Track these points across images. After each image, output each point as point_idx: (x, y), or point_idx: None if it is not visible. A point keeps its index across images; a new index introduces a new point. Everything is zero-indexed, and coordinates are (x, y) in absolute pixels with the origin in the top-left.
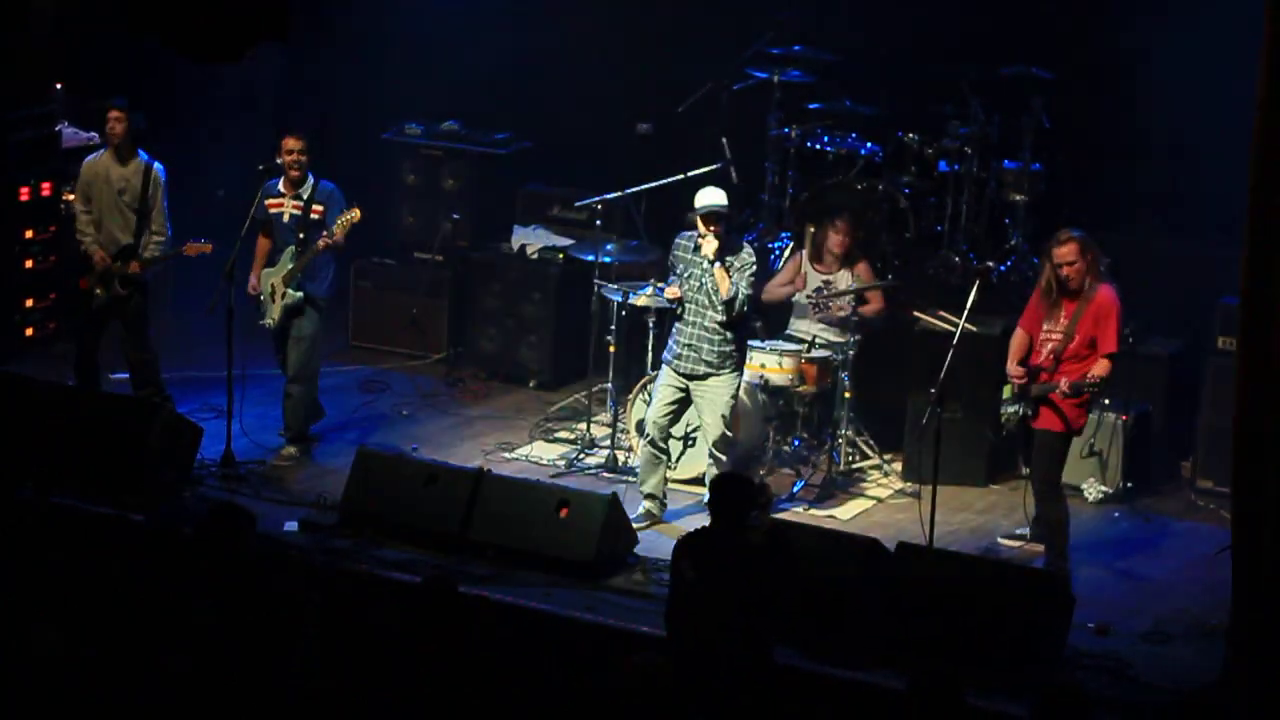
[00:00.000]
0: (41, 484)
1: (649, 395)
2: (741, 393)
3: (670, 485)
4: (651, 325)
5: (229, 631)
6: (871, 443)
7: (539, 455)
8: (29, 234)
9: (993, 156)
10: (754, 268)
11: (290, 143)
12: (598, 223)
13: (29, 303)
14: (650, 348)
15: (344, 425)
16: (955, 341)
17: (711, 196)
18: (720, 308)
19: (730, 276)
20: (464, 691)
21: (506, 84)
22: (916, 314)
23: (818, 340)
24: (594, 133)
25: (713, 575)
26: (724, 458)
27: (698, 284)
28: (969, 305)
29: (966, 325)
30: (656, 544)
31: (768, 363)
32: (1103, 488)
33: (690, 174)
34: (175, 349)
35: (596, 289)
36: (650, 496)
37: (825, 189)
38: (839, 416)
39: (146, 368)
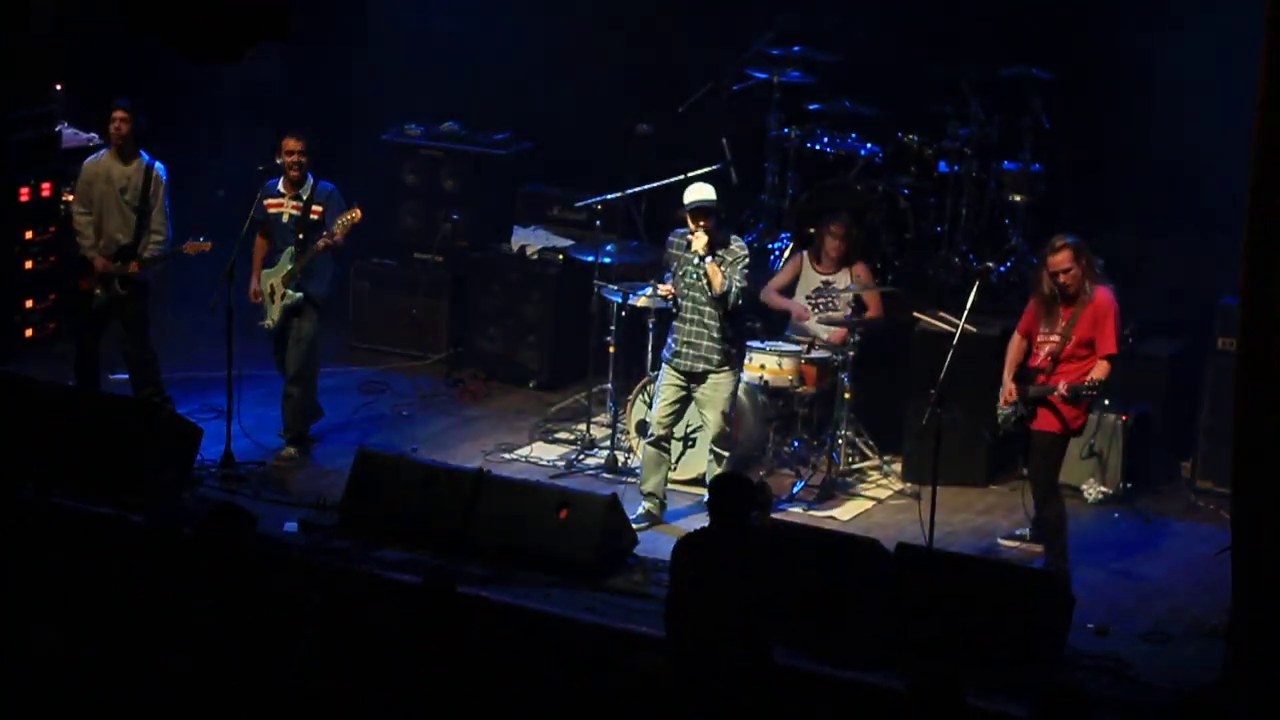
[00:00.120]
0: (41, 484)
1: (649, 396)
2: (741, 393)
3: (670, 485)
4: (651, 326)
5: (229, 631)
6: (871, 443)
7: (539, 456)
8: (29, 234)
9: (992, 157)
10: (747, 260)
11: (290, 143)
12: (597, 223)
13: (29, 303)
14: (650, 348)
15: (344, 426)
16: (955, 342)
17: (699, 192)
18: (715, 303)
19: (723, 270)
20: (464, 692)
21: (506, 84)
22: (916, 315)
23: (817, 341)
24: (594, 133)
25: (712, 575)
26: (725, 454)
27: (692, 280)
28: (969, 306)
29: (966, 326)
30: (656, 544)
31: (768, 363)
32: (1102, 488)
33: (690, 174)
34: (175, 349)
35: (596, 289)
36: (650, 496)
37: (825, 190)
38: (839, 417)
39: (146, 368)
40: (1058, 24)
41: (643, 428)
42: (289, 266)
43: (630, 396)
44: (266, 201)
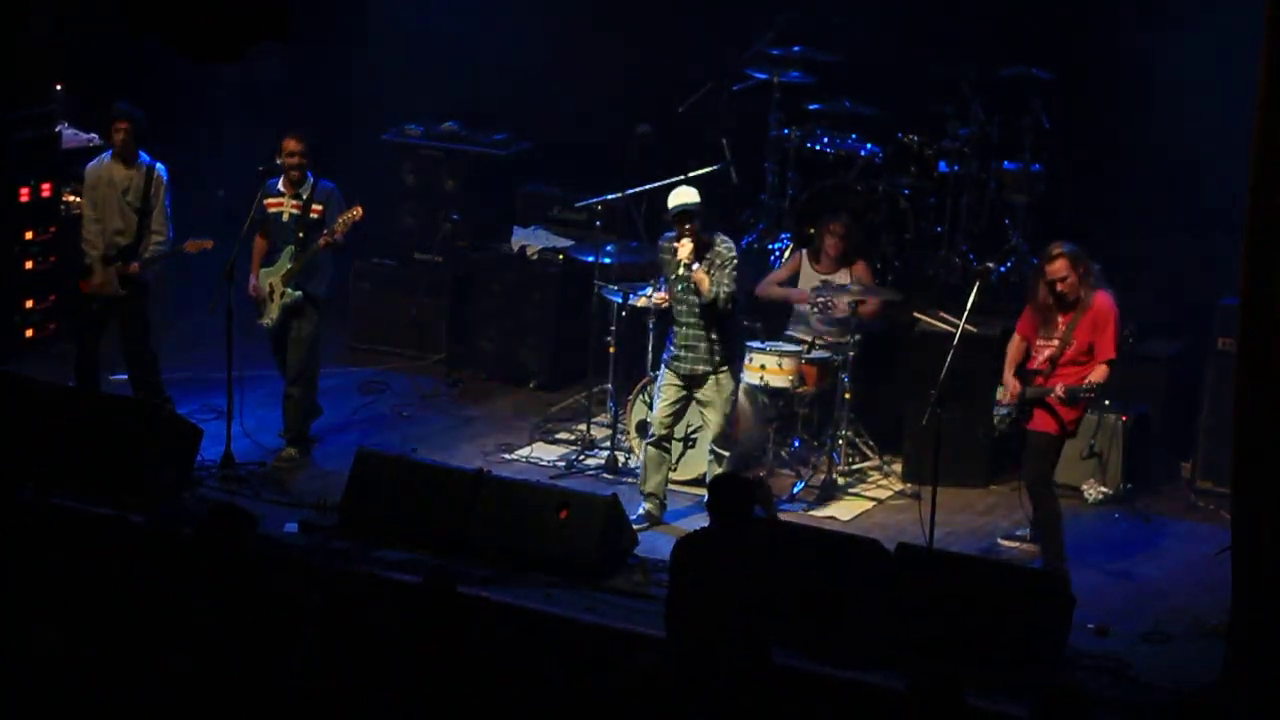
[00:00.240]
0: (41, 484)
1: (649, 396)
2: (742, 394)
3: (670, 486)
4: (651, 326)
5: (229, 631)
6: (871, 444)
7: (539, 456)
8: (29, 235)
9: (992, 157)
10: (735, 261)
11: (291, 144)
12: (597, 224)
13: (29, 304)
14: (650, 348)
15: (344, 426)
16: (955, 342)
17: (681, 196)
18: (706, 308)
19: (711, 275)
20: (464, 692)
21: (506, 84)
22: (916, 315)
23: (817, 341)
24: (594, 133)
25: (712, 576)
26: (725, 454)
27: (683, 286)
28: (969, 306)
29: (966, 326)
30: (656, 545)
31: (768, 364)
32: (1103, 488)
33: (690, 174)
34: (175, 350)
35: (596, 290)
36: (651, 496)
37: (825, 190)
38: (839, 417)
39: (146, 368)
40: (1058, 24)
41: (643, 428)
42: (289, 265)
43: (630, 397)
44: (266, 201)
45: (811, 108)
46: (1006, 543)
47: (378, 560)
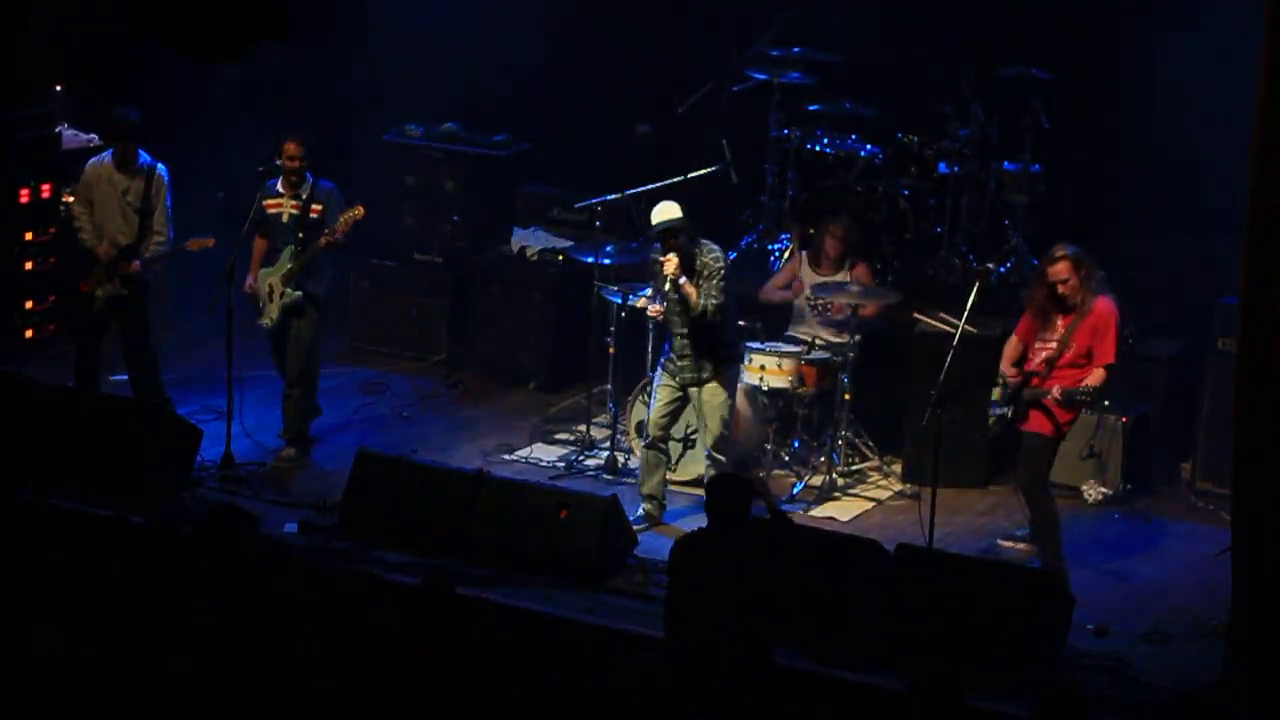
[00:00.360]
0: (41, 485)
1: (648, 397)
2: (741, 395)
3: (669, 487)
4: (651, 327)
5: (229, 631)
6: (871, 444)
7: (539, 457)
8: (29, 236)
9: (992, 158)
10: (723, 271)
11: (291, 147)
12: (597, 224)
13: (29, 304)
14: (650, 349)
15: (344, 427)
16: (955, 343)
17: (663, 213)
18: (695, 320)
19: (699, 286)
20: (464, 692)
21: (506, 85)
22: (916, 315)
23: (817, 342)
24: (594, 134)
25: (711, 576)
26: (723, 459)
27: (673, 297)
28: (969, 307)
29: (966, 327)
30: (656, 545)
31: (767, 365)
32: (1102, 489)
33: (690, 175)
34: (175, 350)
35: (596, 290)
36: (650, 498)
37: (825, 190)
38: (839, 418)
39: (146, 369)
40: (1058, 24)
41: (642, 429)
42: (289, 266)
43: (630, 397)
44: (266, 202)
45: (811, 108)
46: (1006, 543)
47: (378, 561)
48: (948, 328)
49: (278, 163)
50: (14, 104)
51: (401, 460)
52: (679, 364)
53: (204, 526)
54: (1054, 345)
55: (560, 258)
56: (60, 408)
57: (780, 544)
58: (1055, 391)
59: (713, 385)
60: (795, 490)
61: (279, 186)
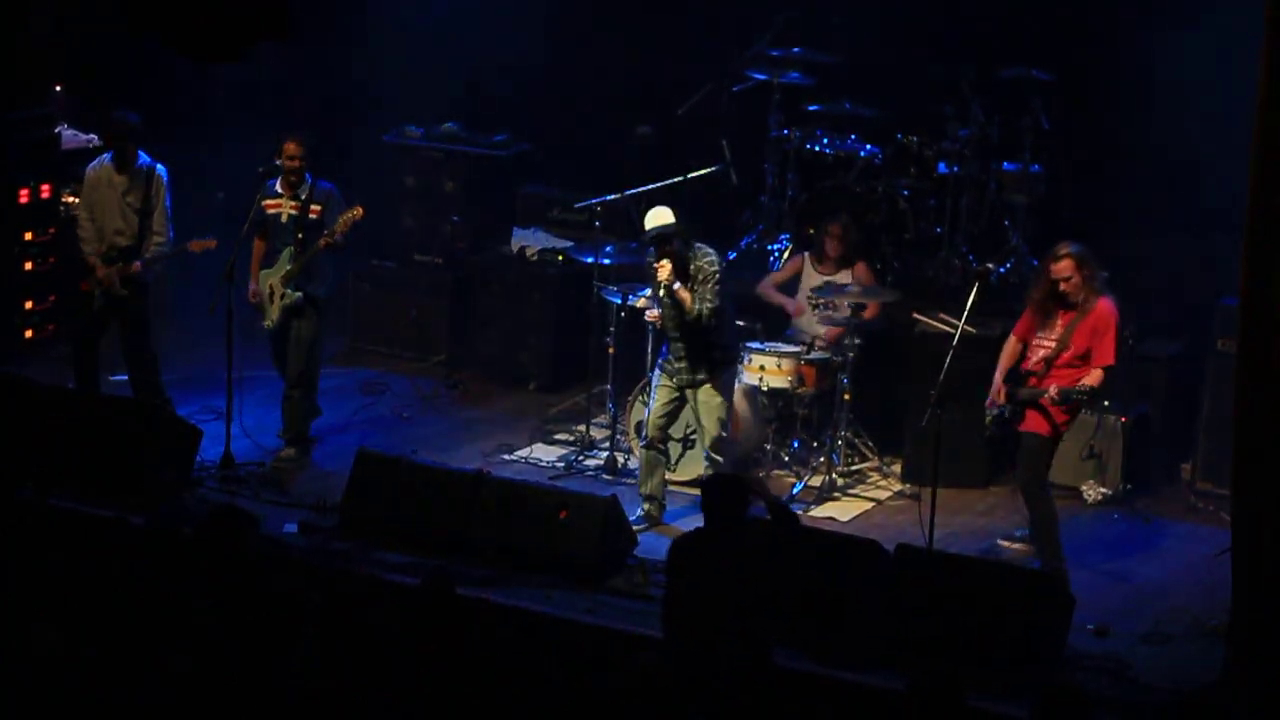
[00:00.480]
0: (41, 485)
1: (648, 397)
2: (740, 395)
3: (669, 487)
4: (650, 328)
5: (229, 631)
6: (871, 444)
7: (538, 457)
8: (28, 236)
9: (992, 158)
10: (717, 275)
11: (291, 148)
12: (597, 224)
13: (28, 305)
14: (649, 349)
15: (344, 427)
16: (955, 343)
17: (656, 219)
18: (690, 324)
19: (694, 291)
20: (464, 693)
21: (506, 85)
22: (916, 316)
23: (817, 342)
24: (593, 134)
25: (708, 576)
26: (721, 460)
27: (669, 301)
28: (968, 307)
29: (966, 327)
30: (656, 546)
31: (767, 365)
32: (1102, 489)
33: (690, 175)
34: (175, 351)
35: (596, 291)
36: (649, 498)
37: (824, 191)
38: (838, 418)
39: (146, 369)
40: (1058, 24)
41: (642, 429)
42: (288, 267)
43: (630, 398)
44: (265, 203)
45: (811, 109)
46: (1006, 544)
47: (378, 561)
48: (948, 328)
49: (277, 163)
50: (14, 104)
51: (401, 461)
52: (676, 366)
53: (204, 527)
54: (1052, 344)
55: (560, 258)
56: (60, 408)
57: (780, 544)
58: (1052, 391)
59: (709, 387)
60: (795, 490)
61: (278, 187)
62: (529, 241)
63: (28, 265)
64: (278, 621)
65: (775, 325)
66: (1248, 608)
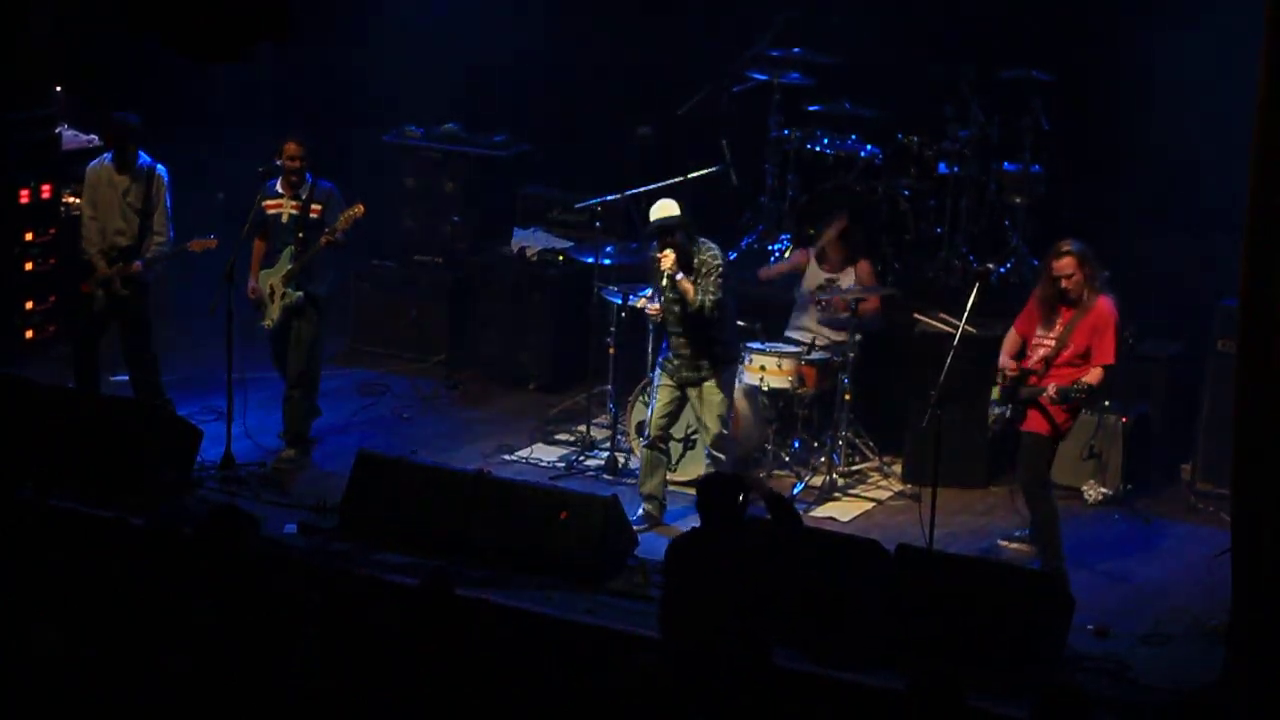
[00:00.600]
0: (41, 485)
1: (648, 397)
2: (741, 395)
3: (670, 487)
4: (651, 327)
5: (229, 631)
6: (871, 444)
7: (539, 458)
8: (29, 236)
9: (992, 158)
10: (721, 269)
11: (292, 148)
12: (597, 225)
13: (29, 305)
14: (650, 350)
15: (344, 428)
16: (955, 343)
17: (661, 210)
18: (693, 317)
19: (697, 283)
20: (464, 693)
21: (506, 86)
22: (916, 316)
23: (818, 341)
24: (594, 135)
25: (705, 576)
26: (723, 457)
27: (671, 296)
28: (969, 307)
29: (966, 327)
30: (656, 546)
31: (768, 365)
32: (1102, 489)
33: (690, 176)
34: (176, 351)
35: (596, 291)
36: (650, 498)
37: (825, 191)
38: (839, 418)
39: (146, 369)
40: (1058, 25)
41: (643, 429)
42: (289, 266)
43: (630, 398)
44: (265, 203)
45: (811, 109)
46: (1006, 544)
47: (377, 562)
48: (948, 328)
49: (277, 163)
50: (14, 104)
51: (401, 461)
52: (676, 363)
53: (204, 527)
54: (1052, 343)
55: (560, 258)
56: (60, 408)
57: (780, 544)
58: (1050, 389)
59: (710, 384)
60: (795, 490)
61: (278, 187)
62: (529, 242)
63: (28, 266)
64: (278, 621)
65: (775, 326)
66: (1248, 608)
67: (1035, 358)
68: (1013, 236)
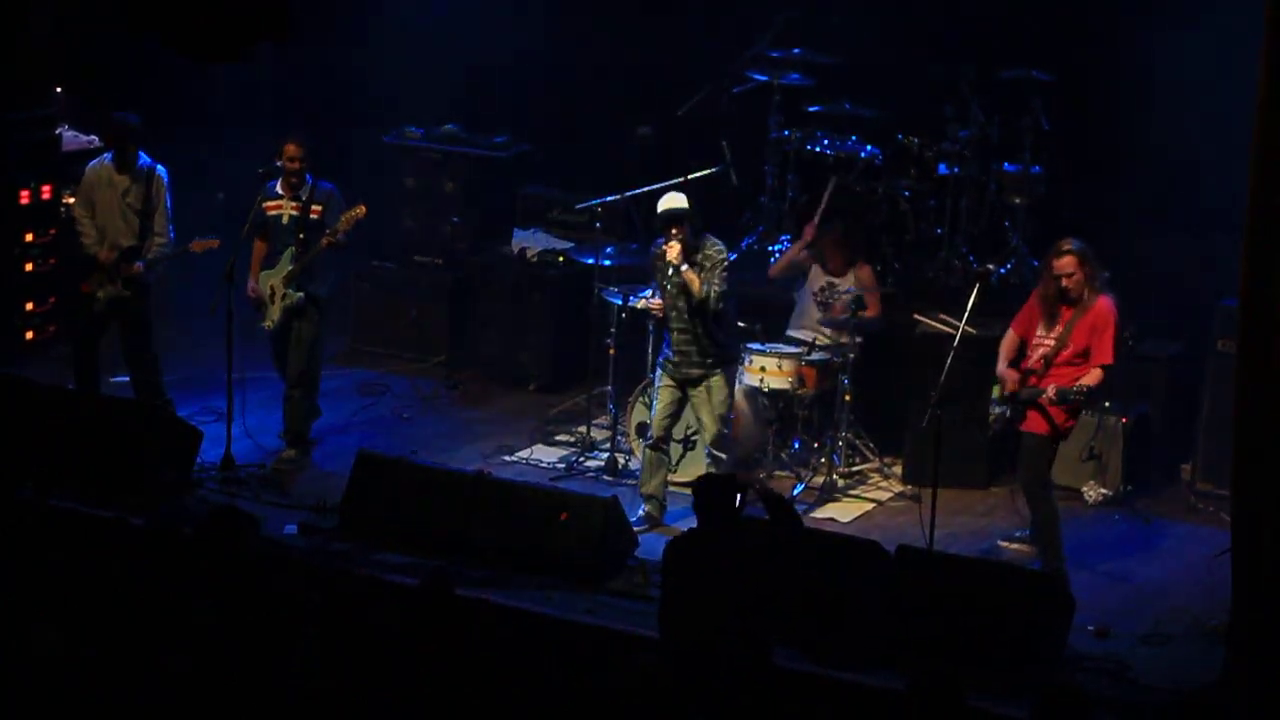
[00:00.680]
0: (41, 485)
1: (648, 398)
2: (741, 396)
3: (670, 487)
4: (651, 328)
5: (229, 631)
6: (871, 445)
7: (539, 458)
8: (29, 237)
9: (992, 159)
10: (726, 263)
11: (291, 149)
12: (597, 225)
13: (29, 306)
14: (650, 350)
15: (344, 428)
16: (955, 344)
17: (670, 201)
18: (697, 309)
19: (700, 276)
20: (464, 693)
21: (506, 86)
22: (917, 316)
23: (818, 341)
24: (594, 135)
25: (702, 577)
26: (724, 457)
27: (674, 290)
28: (969, 308)
29: (967, 328)
30: (656, 546)
31: (768, 366)
32: (1102, 490)
33: (690, 176)
34: (176, 351)
35: (596, 292)
36: (650, 498)
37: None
38: (839, 419)
39: (147, 370)
40: (1058, 24)
41: (643, 430)
42: (290, 267)
43: (630, 399)
44: (265, 204)
45: (811, 110)
46: (1006, 545)
47: (377, 562)
48: (948, 329)
49: (277, 164)
50: (14, 105)
51: (401, 462)
52: (677, 360)
53: (204, 527)
54: (1052, 342)
55: (560, 259)
56: (60, 409)
57: (780, 544)
58: (1050, 391)
59: (711, 382)
60: (796, 491)
61: (278, 188)
62: (529, 242)
63: (28, 266)
64: (278, 621)
65: (775, 326)
66: (1248, 608)
67: (1035, 357)
68: (1013, 237)
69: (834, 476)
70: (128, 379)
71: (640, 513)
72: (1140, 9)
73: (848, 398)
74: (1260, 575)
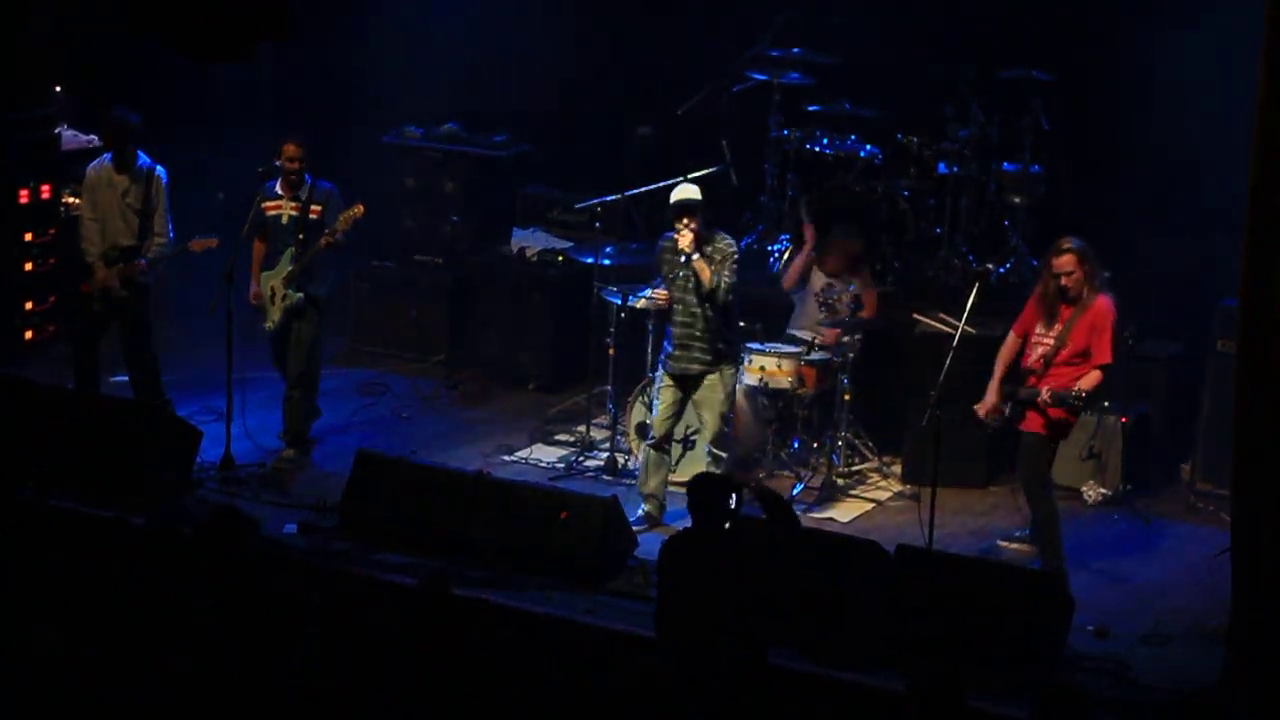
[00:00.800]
0: (41, 485)
1: (648, 398)
2: (741, 395)
3: (670, 487)
4: (651, 328)
5: (229, 631)
6: (871, 445)
7: (538, 458)
8: (28, 237)
9: (992, 158)
10: (736, 256)
11: (291, 150)
12: (597, 225)
13: (29, 306)
14: (650, 350)
15: (344, 428)
16: (955, 343)
17: (684, 191)
18: (705, 300)
19: (710, 267)
20: (464, 693)
21: (506, 86)
22: (916, 316)
23: (818, 341)
24: (594, 135)
25: (697, 576)
26: (724, 455)
27: (683, 283)
28: (968, 307)
29: (966, 327)
30: (656, 546)
31: (767, 365)
32: (1102, 490)
33: (690, 176)
34: (176, 351)
35: (596, 292)
36: (650, 498)
37: (825, 192)
38: (838, 419)
39: (146, 370)
40: (1058, 24)
41: (642, 429)
42: (289, 268)
43: (630, 398)
44: (265, 204)
45: (811, 109)
46: (1006, 544)
47: (377, 562)
48: (948, 328)
49: (277, 164)
50: (14, 104)
51: (401, 461)
52: (677, 354)
53: (204, 527)
54: (1051, 341)
55: (560, 259)
56: (60, 409)
57: (779, 544)
58: (1045, 394)
59: (710, 379)
60: (795, 491)
61: (278, 188)
62: (529, 242)
63: (28, 266)
64: (278, 621)
65: (775, 326)
66: (1248, 608)
67: (1034, 356)
68: (1012, 236)
69: (833, 476)
70: (127, 379)
71: (640, 512)
72: (1140, 9)
73: (847, 397)
74: (1260, 575)
